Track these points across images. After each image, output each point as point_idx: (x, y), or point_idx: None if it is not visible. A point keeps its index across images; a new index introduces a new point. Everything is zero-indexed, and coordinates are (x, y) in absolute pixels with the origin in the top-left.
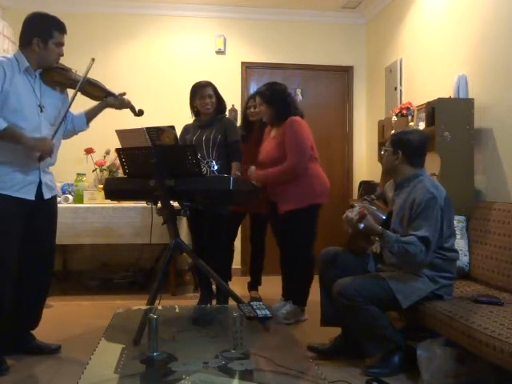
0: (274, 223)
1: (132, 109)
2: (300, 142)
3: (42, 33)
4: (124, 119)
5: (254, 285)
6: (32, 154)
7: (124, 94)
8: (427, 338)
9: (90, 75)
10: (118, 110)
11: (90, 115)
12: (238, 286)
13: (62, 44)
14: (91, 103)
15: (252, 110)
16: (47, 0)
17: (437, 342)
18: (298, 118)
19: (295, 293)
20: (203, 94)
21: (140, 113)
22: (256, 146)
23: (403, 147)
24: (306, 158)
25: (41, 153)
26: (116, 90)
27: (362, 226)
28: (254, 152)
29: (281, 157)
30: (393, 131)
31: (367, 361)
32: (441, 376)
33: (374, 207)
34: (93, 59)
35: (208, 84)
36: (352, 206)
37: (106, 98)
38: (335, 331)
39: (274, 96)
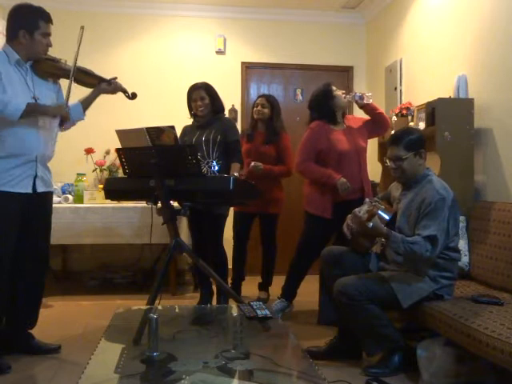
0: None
1: (125, 92)
2: None
3: (27, 24)
4: (124, 119)
5: (261, 285)
6: (36, 139)
7: (115, 78)
8: (427, 337)
9: (88, 66)
10: (117, 110)
11: (86, 104)
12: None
13: (48, 34)
14: (83, 93)
15: (259, 108)
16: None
17: (437, 341)
18: None
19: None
20: (194, 97)
21: (133, 96)
22: (261, 144)
23: (422, 145)
24: None
25: (62, 117)
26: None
27: (371, 225)
28: (259, 150)
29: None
30: (393, 131)
31: (367, 361)
32: (441, 376)
33: (382, 206)
34: (82, 27)
35: (200, 86)
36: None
37: (100, 85)
38: (332, 332)
39: None
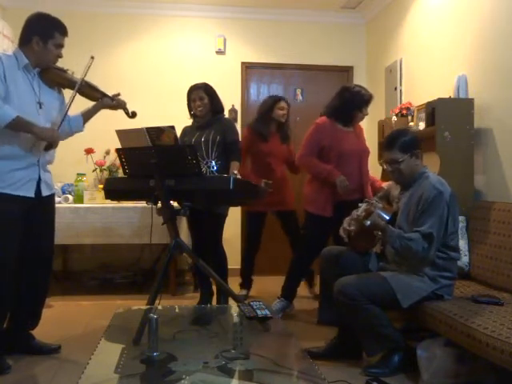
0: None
1: (125, 110)
2: None
3: (42, 32)
4: (124, 119)
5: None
6: (38, 144)
7: (118, 94)
8: (427, 337)
9: (91, 74)
10: (117, 111)
11: (87, 116)
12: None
13: (61, 46)
14: (85, 105)
15: (285, 111)
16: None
17: (437, 342)
18: None
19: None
20: (193, 97)
21: (133, 115)
22: (279, 144)
23: (417, 146)
24: None
25: (49, 142)
26: (116, 90)
27: (368, 223)
28: (278, 149)
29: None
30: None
31: (367, 361)
32: (441, 376)
33: (380, 205)
34: (92, 57)
35: (199, 86)
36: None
37: (102, 99)
38: (332, 332)
39: None
